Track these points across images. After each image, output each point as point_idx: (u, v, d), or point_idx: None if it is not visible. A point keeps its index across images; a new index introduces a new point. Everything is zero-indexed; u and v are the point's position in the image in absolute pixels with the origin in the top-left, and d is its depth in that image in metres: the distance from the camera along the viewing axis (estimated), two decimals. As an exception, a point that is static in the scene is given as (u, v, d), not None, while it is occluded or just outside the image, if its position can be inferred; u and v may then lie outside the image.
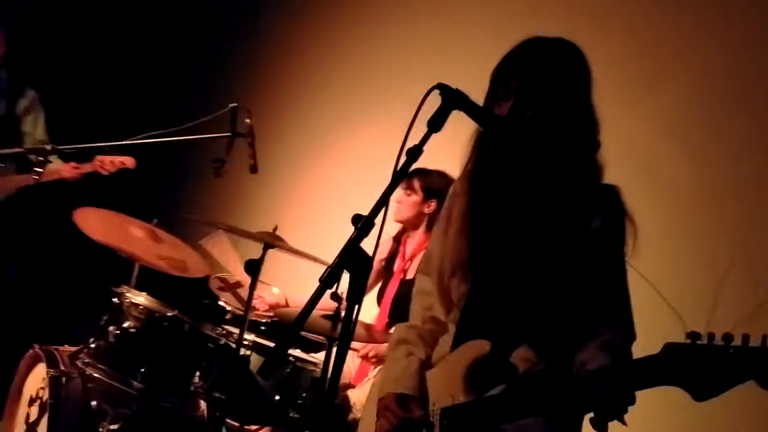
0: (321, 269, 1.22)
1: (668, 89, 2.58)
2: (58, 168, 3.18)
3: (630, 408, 1.18)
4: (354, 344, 2.79)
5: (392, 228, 2.91)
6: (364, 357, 2.66)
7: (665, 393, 1.15)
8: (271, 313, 2.85)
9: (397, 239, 2.93)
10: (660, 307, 1.32)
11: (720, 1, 2.57)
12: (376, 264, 2.93)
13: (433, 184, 2.76)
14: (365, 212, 1.21)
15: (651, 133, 2.60)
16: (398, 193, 2.79)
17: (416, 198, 2.78)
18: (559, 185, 1.41)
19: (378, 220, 1.22)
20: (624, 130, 2.50)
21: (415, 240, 2.85)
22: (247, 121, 2.48)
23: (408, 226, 2.88)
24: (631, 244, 1.41)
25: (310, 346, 2.70)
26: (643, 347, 1.29)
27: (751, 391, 1.06)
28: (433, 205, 2.77)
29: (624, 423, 1.20)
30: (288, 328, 1.13)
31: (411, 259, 2.82)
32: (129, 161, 3.17)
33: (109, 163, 3.16)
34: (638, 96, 2.65)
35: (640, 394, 1.18)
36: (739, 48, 2.41)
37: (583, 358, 1.31)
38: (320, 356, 2.64)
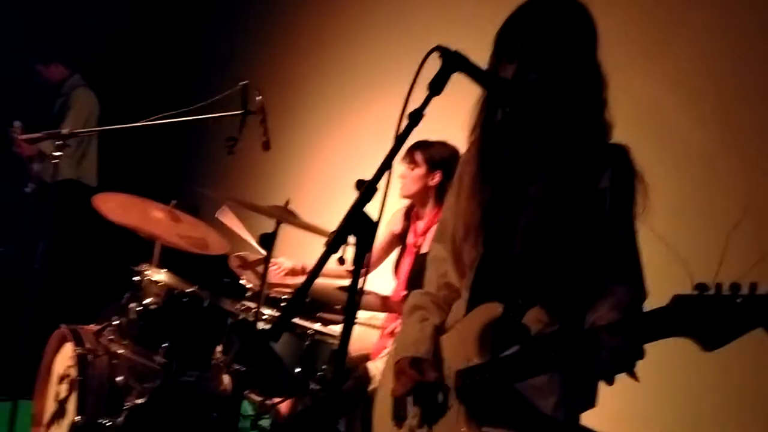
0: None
1: (679, 48, 2.53)
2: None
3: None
4: (373, 317, 2.82)
5: (403, 203, 2.89)
6: (392, 334, 2.66)
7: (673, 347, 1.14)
8: (289, 283, 2.88)
9: (408, 214, 2.89)
10: (668, 259, 1.31)
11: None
12: (388, 236, 2.92)
13: (436, 155, 2.70)
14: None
15: (661, 91, 2.56)
16: (402, 168, 2.73)
17: (420, 171, 2.71)
18: (567, 146, 1.40)
19: (381, 185, 1.22)
20: (635, 89, 2.47)
21: (426, 214, 2.80)
22: (259, 98, 2.49)
23: (416, 201, 2.81)
24: (642, 203, 1.40)
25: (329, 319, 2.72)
26: (651, 300, 1.29)
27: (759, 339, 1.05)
28: (437, 176, 2.70)
29: (636, 378, 1.20)
30: (295, 291, 1.14)
31: (424, 233, 2.79)
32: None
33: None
34: (649, 56, 2.60)
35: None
36: (751, 8, 2.36)
37: (594, 318, 1.32)
38: (339, 329, 2.67)
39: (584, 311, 1.35)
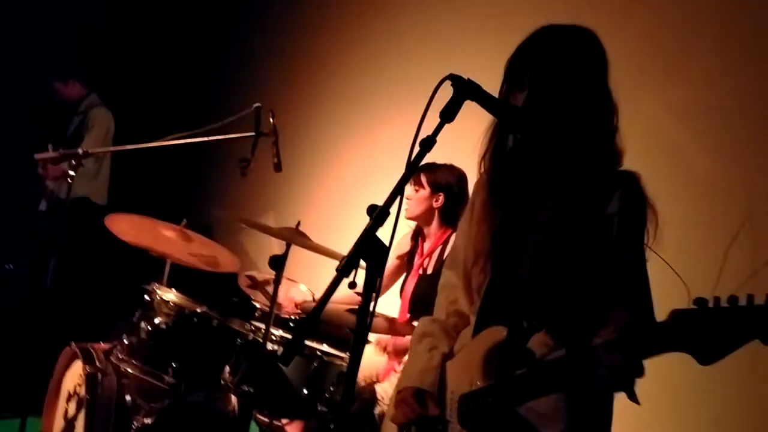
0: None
1: (688, 75, 2.56)
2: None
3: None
4: (374, 336, 2.82)
5: (411, 225, 2.92)
6: (382, 348, 2.68)
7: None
8: (298, 311, 2.89)
9: (415, 236, 2.94)
10: (666, 276, 1.32)
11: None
12: (397, 260, 2.96)
13: (440, 179, 2.78)
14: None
15: (668, 116, 2.57)
16: (408, 190, 2.79)
17: (424, 193, 2.79)
18: (577, 173, 1.42)
19: (393, 210, 1.24)
20: (644, 114, 2.49)
21: (431, 235, 2.86)
22: (271, 120, 2.53)
23: (421, 223, 2.88)
24: (652, 230, 1.40)
25: (339, 342, 2.72)
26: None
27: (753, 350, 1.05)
28: (441, 198, 2.78)
29: (636, 401, 1.20)
30: (307, 316, 1.15)
31: (429, 254, 2.83)
32: None
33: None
34: (658, 83, 2.63)
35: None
36: (758, 36, 2.38)
37: (598, 343, 1.31)
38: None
39: (590, 336, 1.34)
